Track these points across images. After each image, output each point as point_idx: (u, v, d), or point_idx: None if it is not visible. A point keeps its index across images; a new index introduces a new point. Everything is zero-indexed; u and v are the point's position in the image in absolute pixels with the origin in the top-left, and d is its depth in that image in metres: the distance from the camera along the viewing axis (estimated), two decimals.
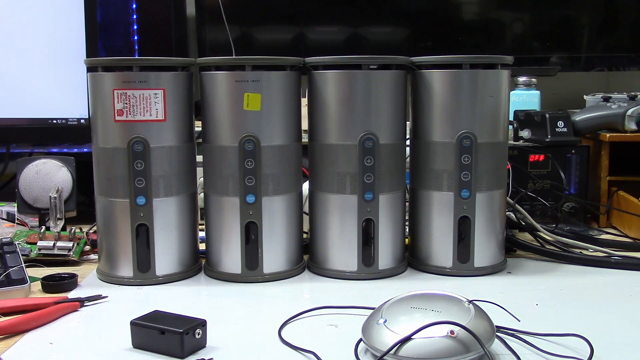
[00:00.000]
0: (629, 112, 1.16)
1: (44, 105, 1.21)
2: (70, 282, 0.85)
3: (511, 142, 1.22)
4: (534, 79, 1.40)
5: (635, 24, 1.57)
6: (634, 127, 1.16)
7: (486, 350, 0.59)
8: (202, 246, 0.93)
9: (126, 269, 0.87)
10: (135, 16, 1.39)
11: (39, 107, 1.21)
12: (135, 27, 1.38)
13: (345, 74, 0.86)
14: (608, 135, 1.16)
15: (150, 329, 0.65)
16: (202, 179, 0.91)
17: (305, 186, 0.94)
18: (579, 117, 1.21)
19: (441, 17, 1.58)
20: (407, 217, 0.94)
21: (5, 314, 0.73)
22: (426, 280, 0.89)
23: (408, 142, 0.93)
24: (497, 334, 0.64)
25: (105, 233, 0.89)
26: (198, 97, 0.89)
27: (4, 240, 0.86)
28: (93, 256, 0.97)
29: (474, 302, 0.64)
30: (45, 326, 0.72)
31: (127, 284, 0.87)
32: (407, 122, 0.92)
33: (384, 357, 0.59)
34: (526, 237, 1.03)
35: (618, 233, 1.13)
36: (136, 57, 1.35)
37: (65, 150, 1.24)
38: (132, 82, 0.84)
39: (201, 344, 0.65)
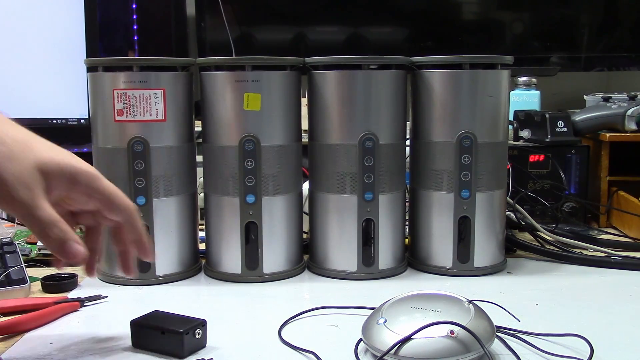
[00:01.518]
0: (629, 112, 1.16)
1: (44, 105, 1.21)
2: (70, 282, 0.85)
3: (511, 142, 1.22)
4: (534, 79, 1.40)
5: (635, 24, 1.57)
6: (634, 127, 1.16)
7: (486, 350, 0.59)
8: (202, 246, 0.93)
9: None
10: (135, 16, 1.39)
11: (39, 107, 1.21)
12: (135, 27, 1.38)
13: (345, 74, 0.86)
14: (608, 135, 1.16)
15: (150, 329, 0.65)
16: (202, 179, 0.91)
17: (305, 186, 0.94)
18: (579, 117, 1.21)
19: (441, 17, 1.58)
20: (407, 217, 0.94)
21: (5, 314, 0.73)
22: (426, 280, 0.89)
23: (408, 142, 0.93)
24: (497, 334, 0.64)
25: (105, 233, 0.88)
26: (198, 97, 0.89)
27: (4, 240, 0.86)
28: None
29: (474, 302, 0.64)
30: (45, 326, 0.72)
31: (127, 284, 0.86)
32: (407, 122, 0.92)
33: (384, 357, 0.59)
34: (526, 237, 1.03)
35: (618, 233, 1.13)
36: (136, 57, 1.35)
37: None
38: (132, 82, 0.84)
39: (201, 344, 0.65)
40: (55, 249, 0.57)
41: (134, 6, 1.39)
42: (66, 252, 0.57)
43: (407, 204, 0.94)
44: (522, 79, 1.39)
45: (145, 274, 0.87)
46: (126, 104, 0.84)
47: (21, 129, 0.58)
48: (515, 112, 1.26)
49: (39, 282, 0.85)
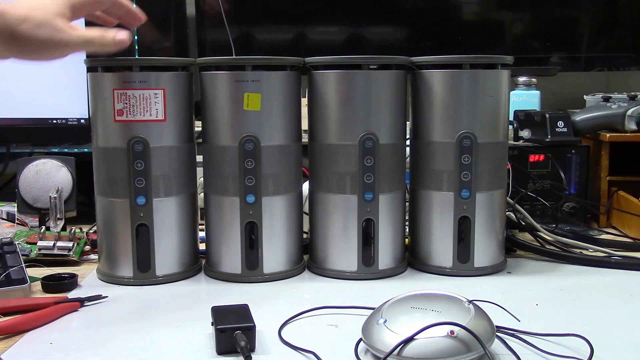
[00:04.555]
0: (629, 112, 1.16)
1: (44, 105, 1.21)
2: (70, 282, 0.85)
3: (511, 142, 1.22)
4: (534, 79, 1.40)
5: (635, 24, 1.57)
6: (634, 127, 1.16)
7: (486, 350, 0.59)
8: (202, 246, 0.93)
9: (126, 269, 0.87)
10: None
11: (39, 107, 1.21)
12: (135, 27, 1.38)
13: (345, 74, 0.86)
14: (608, 135, 1.16)
15: None
16: (202, 179, 0.91)
17: (305, 186, 0.94)
18: (579, 117, 1.21)
19: (441, 17, 1.58)
20: (407, 217, 0.94)
21: (5, 314, 0.73)
22: (426, 280, 0.89)
23: (408, 142, 0.93)
24: (497, 334, 0.64)
25: (105, 233, 0.89)
26: (198, 97, 0.89)
27: (4, 240, 0.86)
28: (93, 256, 0.97)
29: (474, 302, 0.64)
30: (45, 326, 0.72)
31: (127, 284, 0.86)
32: (407, 122, 0.92)
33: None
34: (526, 237, 1.03)
35: (618, 233, 1.13)
36: (136, 57, 1.35)
37: (65, 150, 1.24)
38: (132, 82, 0.84)
39: None
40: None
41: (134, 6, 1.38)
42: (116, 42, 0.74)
43: (407, 204, 0.94)
44: (522, 79, 1.39)
45: (145, 273, 0.87)
46: (126, 104, 0.84)
47: None
48: (515, 112, 1.26)
49: (39, 282, 0.85)
